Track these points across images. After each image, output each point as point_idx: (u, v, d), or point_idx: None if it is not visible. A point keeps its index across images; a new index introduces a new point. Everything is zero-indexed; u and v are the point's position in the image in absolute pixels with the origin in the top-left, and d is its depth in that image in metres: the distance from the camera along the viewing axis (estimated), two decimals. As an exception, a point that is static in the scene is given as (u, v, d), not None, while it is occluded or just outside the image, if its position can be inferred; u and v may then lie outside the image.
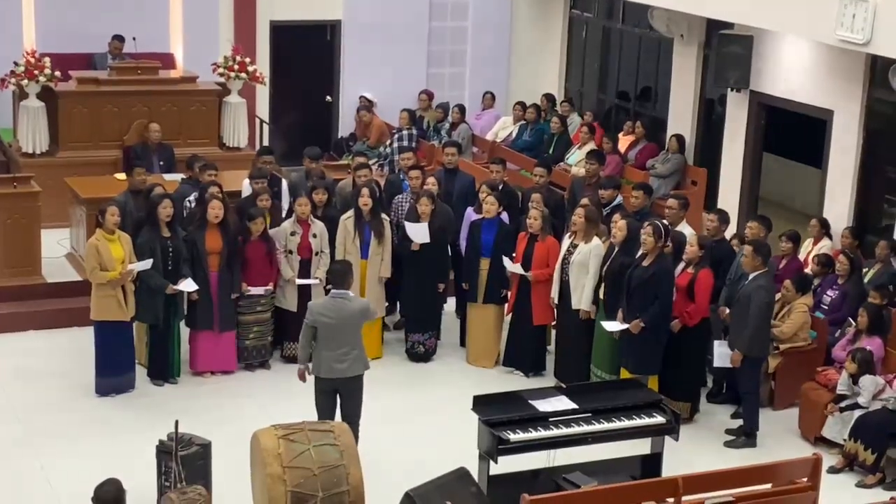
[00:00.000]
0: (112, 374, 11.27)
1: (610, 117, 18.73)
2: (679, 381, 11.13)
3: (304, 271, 12.00)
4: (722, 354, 10.99)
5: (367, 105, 18.64)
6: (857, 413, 10.59)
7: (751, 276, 10.91)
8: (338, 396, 9.86)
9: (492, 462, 9.14)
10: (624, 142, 17.22)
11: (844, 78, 13.67)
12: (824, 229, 13.31)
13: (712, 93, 16.50)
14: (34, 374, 11.76)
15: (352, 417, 9.72)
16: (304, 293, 11.92)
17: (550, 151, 17.14)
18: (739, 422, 11.20)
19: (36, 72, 15.10)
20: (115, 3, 17.29)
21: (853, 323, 11.55)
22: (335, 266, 10.25)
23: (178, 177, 13.91)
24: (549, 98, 18.87)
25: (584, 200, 12.21)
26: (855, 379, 10.71)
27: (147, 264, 11.11)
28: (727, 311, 11.28)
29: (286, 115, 18.97)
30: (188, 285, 11.41)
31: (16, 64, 15.19)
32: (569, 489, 9.03)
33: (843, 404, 10.75)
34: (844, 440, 10.61)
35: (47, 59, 15.23)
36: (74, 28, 16.95)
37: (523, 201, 13.04)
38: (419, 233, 12.14)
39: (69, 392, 11.39)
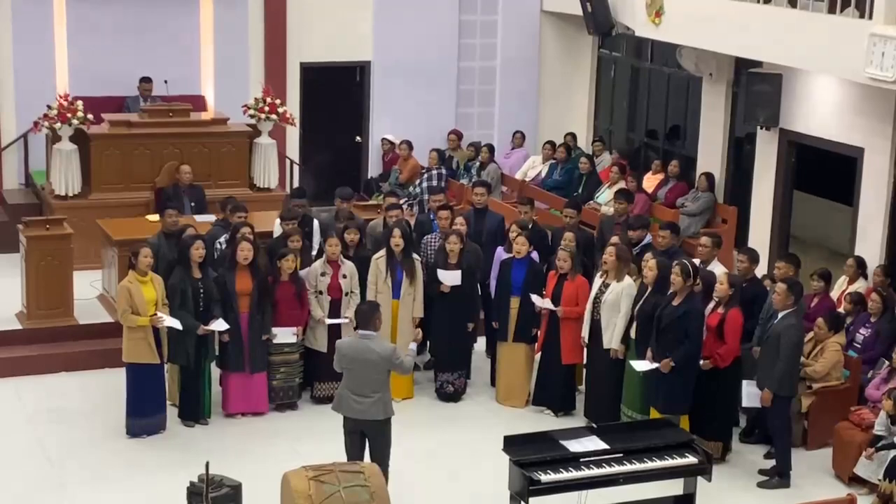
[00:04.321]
0: (143, 416, 11.31)
1: (639, 156, 18.73)
2: (711, 421, 11.06)
3: (335, 312, 12.02)
4: (751, 394, 10.93)
5: (391, 144, 18.79)
6: (893, 453, 10.47)
7: (780, 315, 10.86)
8: (365, 439, 9.83)
9: (523, 503, 9.10)
10: (653, 180, 17.21)
11: (874, 116, 13.62)
12: (861, 269, 13.20)
13: (741, 131, 16.48)
14: (66, 415, 11.82)
15: (380, 460, 9.68)
16: (335, 334, 11.93)
17: (580, 191, 17.16)
18: (773, 462, 11.11)
19: (68, 115, 15.23)
20: (146, 46, 17.46)
21: (887, 362, 11.46)
22: (362, 307, 10.21)
23: (210, 218, 13.99)
24: (573, 137, 18.94)
25: (614, 239, 12.21)
26: (893, 419, 10.60)
27: (176, 324, 11.13)
28: (759, 350, 11.24)
29: (316, 155, 19.07)
30: (219, 325, 11.45)
31: (49, 107, 15.34)
32: (601, 530, 9.00)
33: (879, 444, 10.65)
34: (879, 480, 10.50)
35: (80, 103, 15.38)
36: (106, 71, 17.13)
37: (553, 240, 13.05)
38: (451, 278, 12.20)
39: (100, 433, 11.43)
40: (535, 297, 11.99)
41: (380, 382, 9.71)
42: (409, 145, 18.36)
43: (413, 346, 10.37)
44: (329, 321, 11.96)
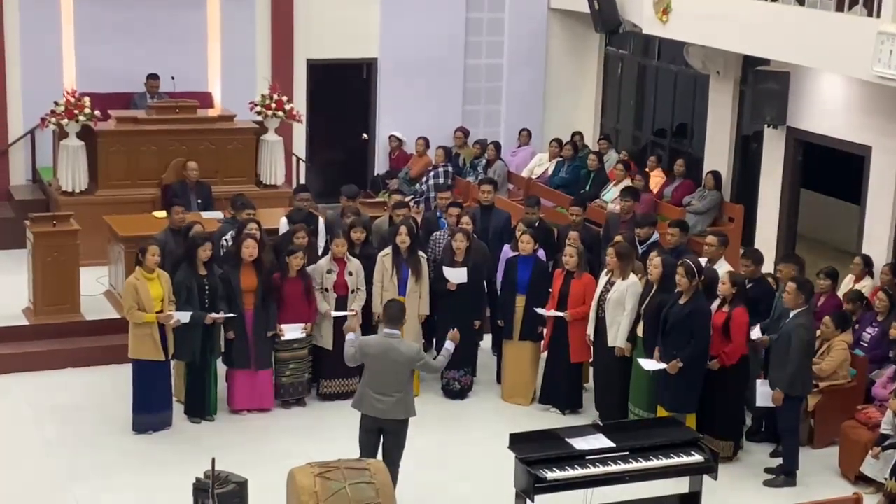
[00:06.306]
0: (149, 412, 11.32)
1: (646, 154, 18.70)
2: (719, 420, 11.05)
3: (341, 309, 12.01)
4: (764, 394, 10.91)
5: (399, 141, 18.80)
6: (899, 452, 10.49)
7: (792, 314, 10.83)
8: (381, 437, 9.80)
9: (528, 501, 9.09)
10: (654, 177, 17.17)
11: (882, 114, 13.61)
12: (867, 267, 13.19)
13: (749, 129, 16.46)
14: (72, 410, 11.83)
15: (392, 459, 9.68)
16: (340, 331, 11.92)
17: (587, 188, 17.15)
18: (779, 460, 11.10)
19: (76, 111, 15.25)
20: (154, 42, 17.45)
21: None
22: (392, 305, 10.03)
23: (217, 215, 14.00)
24: (581, 136, 18.92)
25: (617, 237, 12.20)
26: (899, 418, 10.60)
27: (186, 317, 11.17)
28: (762, 335, 11.18)
29: (323, 152, 19.07)
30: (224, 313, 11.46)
31: (56, 103, 15.35)
32: (606, 528, 8.99)
33: (885, 443, 10.63)
34: (885, 479, 10.48)
35: (87, 99, 15.39)
36: (114, 68, 17.13)
37: (559, 238, 13.04)
38: (457, 276, 12.19)
39: (106, 429, 11.44)
40: (539, 310, 11.98)
41: (402, 382, 9.71)
42: (426, 142, 18.40)
43: (450, 344, 10.05)
44: (335, 314, 11.96)
